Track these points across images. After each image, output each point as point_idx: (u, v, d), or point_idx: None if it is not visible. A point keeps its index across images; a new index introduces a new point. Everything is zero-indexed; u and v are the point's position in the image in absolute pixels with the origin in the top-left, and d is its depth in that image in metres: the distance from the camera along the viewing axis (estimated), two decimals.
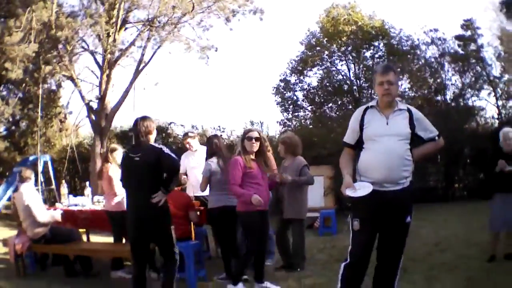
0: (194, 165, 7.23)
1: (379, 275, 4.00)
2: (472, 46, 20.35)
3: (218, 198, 5.92)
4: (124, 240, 6.51)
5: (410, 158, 3.80)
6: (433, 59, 20.87)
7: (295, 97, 24.99)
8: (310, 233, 10.22)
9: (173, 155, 4.73)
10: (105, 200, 6.78)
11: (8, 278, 6.36)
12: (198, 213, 6.42)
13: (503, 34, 19.93)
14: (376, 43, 23.78)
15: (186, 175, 7.30)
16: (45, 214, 6.50)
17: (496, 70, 20.47)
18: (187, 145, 7.52)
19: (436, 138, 3.94)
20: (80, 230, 7.45)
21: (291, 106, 24.91)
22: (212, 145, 6.12)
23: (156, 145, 4.83)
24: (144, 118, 4.86)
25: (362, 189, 3.72)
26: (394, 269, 3.93)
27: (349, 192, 3.75)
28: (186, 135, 7.84)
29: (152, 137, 4.86)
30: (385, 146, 3.77)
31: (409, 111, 3.89)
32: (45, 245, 6.48)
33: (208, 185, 6.07)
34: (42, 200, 6.91)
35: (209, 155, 6.12)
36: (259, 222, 5.39)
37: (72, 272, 6.49)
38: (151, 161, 4.65)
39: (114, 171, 6.47)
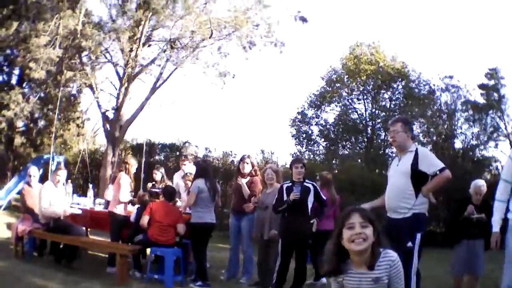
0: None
1: None
2: (495, 96, 20.15)
3: (200, 215, 6.60)
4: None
5: (411, 191, 4.38)
6: (446, 106, 20.62)
7: (310, 131, 25.30)
8: None
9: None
10: (111, 203, 7.29)
11: (7, 259, 6.87)
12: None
13: None
14: (395, 85, 24.02)
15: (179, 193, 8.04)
16: (48, 210, 7.04)
17: None
18: (182, 166, 8.48)
19: (438, 172, 4.38)
20: None
21: (305, 140, 25.20)
22: (201, 168, 6.94)
23: None
24: None
25: None
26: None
27: None
28: (185, 157, 8.66)
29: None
30: (391, 182, 4.63)
31: (416, 151, 4.52)
32: (44, 231, 7.01)
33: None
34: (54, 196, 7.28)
35: (197, 176, 6.83)
36: None
37: (60, 259, 6.96)
38: None
39: (124, 180, 7.06)
